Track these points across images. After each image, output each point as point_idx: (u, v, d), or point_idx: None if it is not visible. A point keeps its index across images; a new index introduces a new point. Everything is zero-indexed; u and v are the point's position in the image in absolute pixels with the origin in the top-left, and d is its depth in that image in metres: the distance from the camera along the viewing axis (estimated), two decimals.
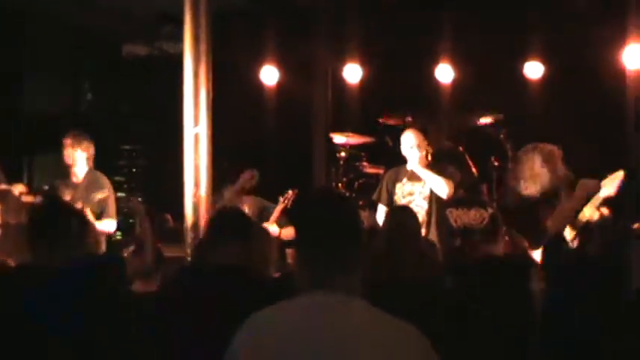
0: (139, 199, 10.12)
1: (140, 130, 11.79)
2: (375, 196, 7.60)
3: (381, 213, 7.38)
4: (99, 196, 7.73)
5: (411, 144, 7.35)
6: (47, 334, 3.56)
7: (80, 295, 3.64)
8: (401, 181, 7.43)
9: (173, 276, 4.19)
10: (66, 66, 11.69)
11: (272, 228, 8.06)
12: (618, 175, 5.98)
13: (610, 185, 5.99)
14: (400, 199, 7.35)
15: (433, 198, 7.25)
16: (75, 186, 7.75)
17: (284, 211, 8.33)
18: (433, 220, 7.18)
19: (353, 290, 2.56)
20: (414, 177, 7.37)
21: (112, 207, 7.82)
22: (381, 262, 4.90)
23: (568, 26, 9.30)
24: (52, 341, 3.55)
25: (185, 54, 7.49)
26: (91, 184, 7.77)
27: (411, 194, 7.34)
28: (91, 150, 7.90)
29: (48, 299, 3.63)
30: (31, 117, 11.35)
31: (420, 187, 7.32)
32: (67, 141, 7.85)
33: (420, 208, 7.12)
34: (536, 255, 5.25)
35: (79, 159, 7.83)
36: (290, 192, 8.43)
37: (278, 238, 8.05)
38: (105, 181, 7.88)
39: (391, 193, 7.44)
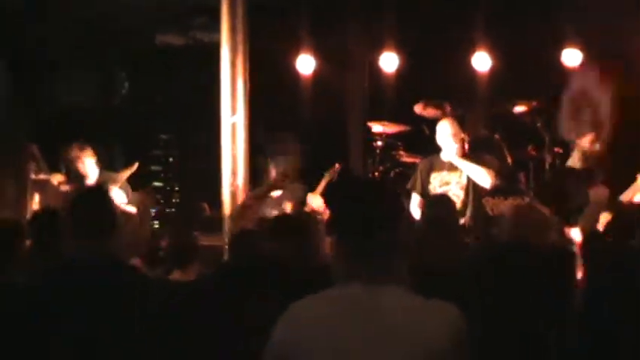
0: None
1: (177, 119, 11.84)
2: (409, 185, 7.57)
3: (415, 202, 7.37)
4: None
5: (447, 134, 7.31)
6: (49, 334, 3.51)
7: (83, 292, 3.54)
8: (436, 170, 7.39)
9: (212, 272, 4.20)
10: (102, 57, 11.76)
11: (317, 200, 8.02)
12: None
13: None
14: (436, 188, 7.31)
15: (470, 187, 7.20)
16: None
17: (327, 186, 8.31)
18: (469, 209, 7.14)
19: (390, 280, 2.55)
20: (450, 166, 7.33)
21: (130, 194, 7.99)
22: (418, 251, 4.89)
23: (606, 12, 9.19)
24: (53, 340, 3.51)
25: (222, 44, 7.53)
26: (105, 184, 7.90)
27: (447, 184, 7.30)
28: (92, 153, 8.14)
29: (50, 297, 3.56)
30: (70, 108, 11.44)
31: (457, 177, 7.27)
32: (74, 153, 8.00)
33: (457, 198, 7.07)
34: None
35: (89, 165, 8.00)
36: (337, 165, 8.44)
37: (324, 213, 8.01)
38: (116, 175, 8.02)
39: (425, 183, 7.41)
